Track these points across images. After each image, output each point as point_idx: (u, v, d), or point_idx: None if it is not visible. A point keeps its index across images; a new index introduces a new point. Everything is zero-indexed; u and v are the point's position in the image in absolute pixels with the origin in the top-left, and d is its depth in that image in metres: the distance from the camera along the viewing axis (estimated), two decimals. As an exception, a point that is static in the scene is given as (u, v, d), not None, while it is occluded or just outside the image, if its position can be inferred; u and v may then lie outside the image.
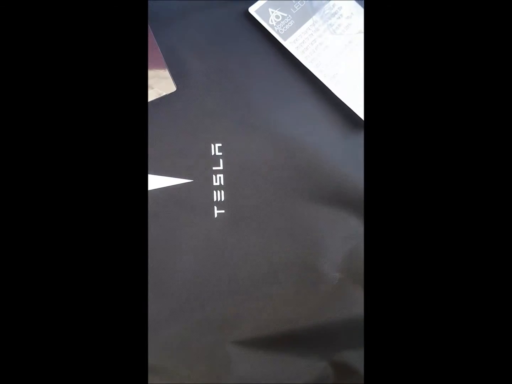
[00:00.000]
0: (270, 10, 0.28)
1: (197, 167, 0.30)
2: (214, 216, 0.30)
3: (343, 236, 0.31)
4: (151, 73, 0.28)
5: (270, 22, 0.28)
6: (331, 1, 0.29)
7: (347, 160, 0.31)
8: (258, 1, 0.28)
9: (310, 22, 0.29)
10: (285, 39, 0.28)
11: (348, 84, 0.29)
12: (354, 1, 0.30)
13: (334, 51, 0.29)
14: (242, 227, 0.31)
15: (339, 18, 0.29)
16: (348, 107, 0.29)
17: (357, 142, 0.31)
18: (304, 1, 0.29)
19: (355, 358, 0.30)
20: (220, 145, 0.30)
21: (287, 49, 0.29)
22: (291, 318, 0.30)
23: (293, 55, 0.29)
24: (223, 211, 0.30)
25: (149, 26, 0.28)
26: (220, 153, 0.30)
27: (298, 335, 0.30)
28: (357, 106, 0.29)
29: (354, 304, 0.30)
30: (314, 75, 0.29)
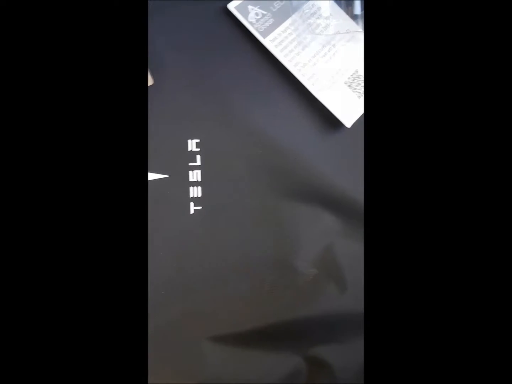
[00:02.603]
0: (249, 7, 0.28)
1: (174, 163, 0.30)
2: (190, 212, 0.30)
3: (319, 233, 0.32)
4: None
5: (249, 19, 0.28)
6: (310, 1, 0.30)
7: (324, 158, 0.32)
8: (237, -2, 0.28)
9: (289, 21, 0.29)
10: (264, 37, 0.29)
11: (326, 84, 0.30)
12: (333, 2, 0.30)
13: (313, 50, 0.30)
14: (219, 223, 0.31)
15: (318, 18, 0.30)
16: (325, 107, 0.30)
17: (333, 141, 0.32)
18: (284, 0, 0.29)
19: (328, 352, 0.30)
20: (198, 141, 0.30)
21: (265, 47, 0.29)
22: (266, 314, 0.30)
23: (272, 53, 0.29)
24: (200, 207, 0.30)
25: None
26: (198, 149, 0.30)
27: (272, 331, 0.30)
28: (334, 106, 0.30)
29: (328, 300, 0.31)
30: (293, 74, 0.29)
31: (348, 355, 0.31)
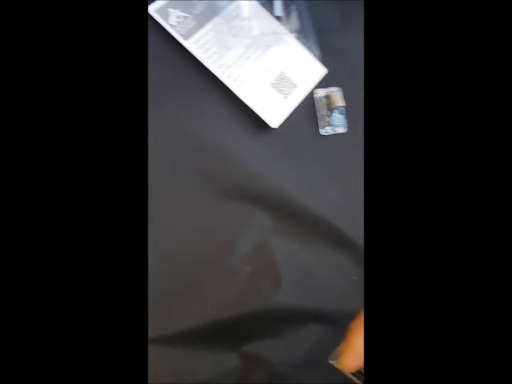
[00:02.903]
0: (170, 10, 0.28)
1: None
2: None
3: (252, 231, 0.32)
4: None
5: (170, 22, 0.28)
6: (233, 3, 0.30)
7: (254, 158, 0.32)
8: (157, 1, 0.28)
9: (212, 23, 0.29)
10: (186, 39, 0.29)
11: (251, 85, 0.30)
12: (256, 3, 0.30)
13: (237, 52, 0.30)
14: (153, 225, 0.31)
15: (241, 20, 0.30)
16: (251, 109, 0.30)
17: (262, 142, 0.32)
18: (206, 2, 0.30)
19: (263, 348, 0.31)
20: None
21: (188, 50, 0.29)
22: (200, 314, 0.31)
23: (195, 56, 0.29)
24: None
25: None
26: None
27: (207, 330, 0.31)
28: (260, 107, 0.30)
29: (262, 296, 0.32)
30: (217, 77, 0.29)
31: (283, 349, 0.32)
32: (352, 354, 0.21)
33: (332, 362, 0.23)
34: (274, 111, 0.30)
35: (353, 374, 0.23)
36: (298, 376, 0.32)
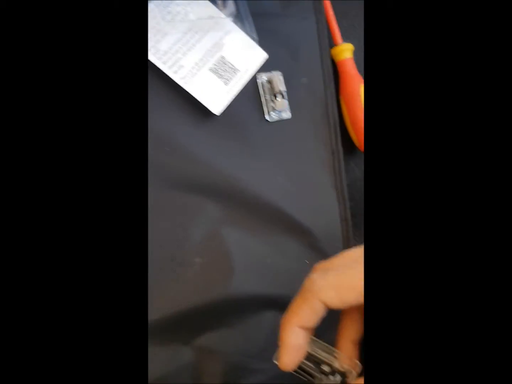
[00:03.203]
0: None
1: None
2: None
3: (202, 222, 0.32)
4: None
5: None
6: (167, -12, 0.29)
7: (199, 147, 0.31)
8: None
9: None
10: (118, 26, 0.28)
11: (190, 71, 0.29)
12: (192, -11, 0.30)
13: (173, 38, 0.29)
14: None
15: (176, 5, 0.29)
16: (191, 95, 0.29)
17: (205, 129, 0.31)
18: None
19: (217, 339, 0.31)
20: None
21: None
22: (153, 308, 0.30)
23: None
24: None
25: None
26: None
27: (160, 325, 0.30)
28: (200, 94, 0.30)
29: (214, 287, 0.31)
30: (153, 63, 0.29)
31: (239, 338, 0.32)
32: (286, 351, 0.21)
33: (275, 362, 0.22)
34: (216, 97, 0.30)
35: (295, 372, 0.22)
36: (257, 365, 0.31)
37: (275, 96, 0.32)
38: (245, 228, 0.32)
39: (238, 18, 0.30)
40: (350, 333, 0.22)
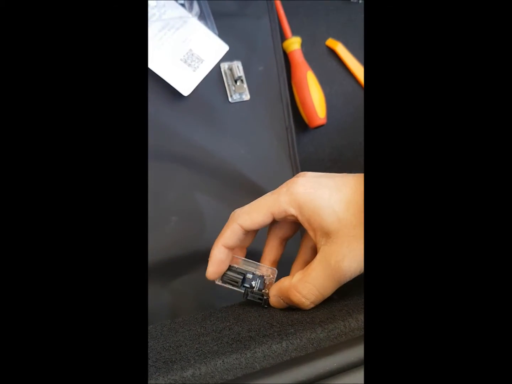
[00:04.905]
0: None
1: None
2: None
3: (179, 187, 0.38)
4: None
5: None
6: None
7: (177, 124, 0.38)
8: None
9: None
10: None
11: (164, 61, 0.36)
12: (165, -6, 0.36)
13: (150, 34, 0.36)
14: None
15: (152, 8, 0.36)
16: (166, 81, 0.36)
17: (181, 110, 0.38)
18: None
19: (188, 283, 0.37)
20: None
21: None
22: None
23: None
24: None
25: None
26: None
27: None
28: (172, 79, 0.36)
29: (188, 241, 0.38)
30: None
31: (207, 283, 0.38)
32: (211, 264, 0.27)
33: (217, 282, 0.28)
34: (185, 81, 0.36)
35: (224, 282, 0.28)
36: (222, 303, 0.38)
37: (236, 81, 0.39)
38: (213, 192, 0.39)
39: (202, 17, 0.37)
40: (277, 231, 0.28)
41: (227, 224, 0.27)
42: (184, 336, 0.26)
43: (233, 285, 0.27)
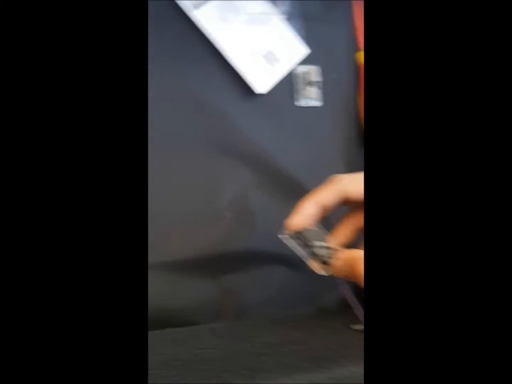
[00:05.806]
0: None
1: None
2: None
3: (234, 184, 0.38)
4: None
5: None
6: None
7: (243, 121, 0.37)
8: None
9: (216, 1, 0.34)
10: (196, 9, 0.34)
11: (246, 56, 0.35)
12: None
13: (236, 27, 0.35)
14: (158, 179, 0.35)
15: (238, 1, 0.35)
16: (244, 76, 0.35)
17: (250, 107, 0.37)
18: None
19: (237, 281, 0.37)
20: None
21: (194, 20, 0.34)
22: (189, 248, 0.36)
23: (198, 27, 0.34)
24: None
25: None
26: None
27: (195, 262, 0.36)
28: (251, 75, 0.35)
29: (236, 238, 0.37)
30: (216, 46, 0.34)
31: (253, 283, 0.38)
32: (298, 214, 0.27)
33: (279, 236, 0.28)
34: (263, 79, 0.36)
35: (296, 237, 0.27)
36: (263, 310, 0.38)
37: (309, 86, 0.38)
38: (269, 193, 0.39)
39: (291, 17, 0.36)
40: (355, 220, 0.28)
41: (326, 184, 0.28)
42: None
43: (299, 245, 0.28)
